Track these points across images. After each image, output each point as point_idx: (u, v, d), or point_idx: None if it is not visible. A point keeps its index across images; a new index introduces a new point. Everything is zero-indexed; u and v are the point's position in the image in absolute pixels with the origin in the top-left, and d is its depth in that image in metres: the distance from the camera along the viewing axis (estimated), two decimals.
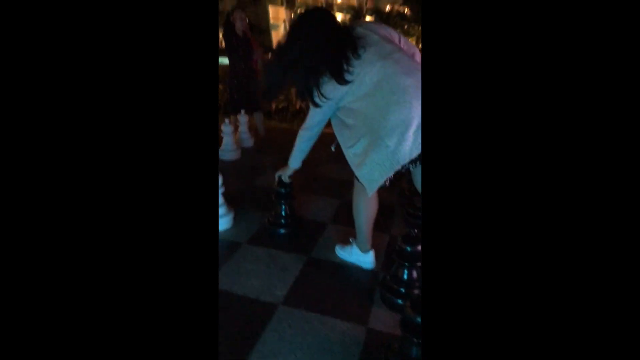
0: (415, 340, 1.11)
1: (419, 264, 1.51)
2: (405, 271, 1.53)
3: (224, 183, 2.08)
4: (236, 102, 3.66)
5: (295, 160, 1.74)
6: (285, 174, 1.88)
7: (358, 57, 1.37)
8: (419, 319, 1.09)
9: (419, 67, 1.40)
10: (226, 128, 3.24)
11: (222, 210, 2.12)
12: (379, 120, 1.38)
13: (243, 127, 3.67)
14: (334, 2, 9.24)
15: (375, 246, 1.80)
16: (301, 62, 1.40)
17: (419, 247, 1.49)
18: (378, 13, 6.84)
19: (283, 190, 2.06)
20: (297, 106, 5.58)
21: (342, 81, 1.38)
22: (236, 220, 2.19)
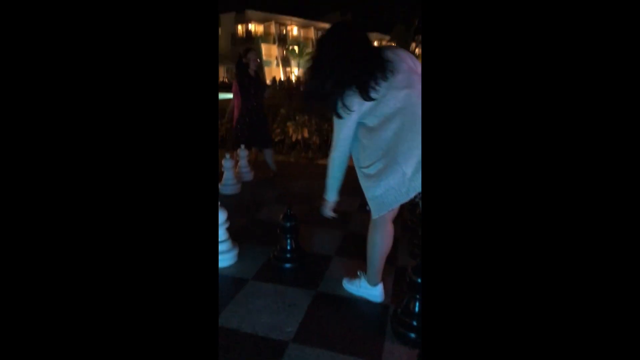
0: None
1: None
2: (417, 303, 1.51)
3: (227, 218, 2.07)
4: (246, 139, 3.70)
5: (332, 192, 1.63)
6: (326, 209, 1.71)
7: (386, 79, 1.40)
8: None
9: None
10: (227, 163, 3.27)
11: (226, 245, 2.10)
12: (397, 145, 1.41)
13: (243, 161, 3.71)
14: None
15: (381, 279, 1.79)
16: (330, 69, 1.40)
17: None
18: None
19: (288, 224, 2.05)
20: (294, 139, 5.64)
21: (366, 97, 1.40)
22: (241, 255, 2.17)
